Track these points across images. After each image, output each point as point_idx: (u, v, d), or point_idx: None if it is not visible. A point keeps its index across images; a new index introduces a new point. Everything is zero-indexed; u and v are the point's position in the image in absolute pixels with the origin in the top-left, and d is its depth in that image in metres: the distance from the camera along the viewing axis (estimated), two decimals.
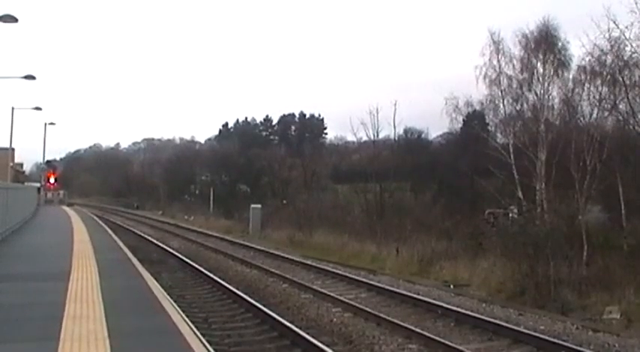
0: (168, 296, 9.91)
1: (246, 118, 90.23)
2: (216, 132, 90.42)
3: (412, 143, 51.10)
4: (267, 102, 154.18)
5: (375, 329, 11.72)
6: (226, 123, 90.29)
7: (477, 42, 65.32)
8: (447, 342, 10.40)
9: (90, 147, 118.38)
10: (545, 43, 26.57)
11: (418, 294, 15.41)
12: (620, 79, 22.10)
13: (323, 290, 15.55)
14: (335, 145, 78.38)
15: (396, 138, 38.12)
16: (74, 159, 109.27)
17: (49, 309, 8.20)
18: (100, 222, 32.18)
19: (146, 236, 31.54)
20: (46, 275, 11.83)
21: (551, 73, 26.42)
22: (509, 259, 17.71)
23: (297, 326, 11.12)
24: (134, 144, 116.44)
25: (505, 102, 27.91)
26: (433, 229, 26.00)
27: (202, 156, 77.39)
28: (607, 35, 21.59)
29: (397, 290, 15.83)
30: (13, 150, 45.01)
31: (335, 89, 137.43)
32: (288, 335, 10.75)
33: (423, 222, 28.04)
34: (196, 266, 19.66)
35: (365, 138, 38.07)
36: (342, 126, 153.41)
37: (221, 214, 49.57)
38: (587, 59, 23.86)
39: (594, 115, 24.09)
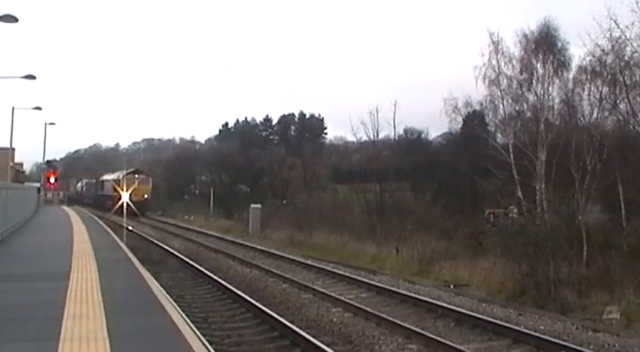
0: (168, 296, 9.91)
1: (246, 118, 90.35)
2: (216, 132, 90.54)
3: (412, 143, 51.08)
4: (267, 102, 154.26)
5: (375, 329, 11.72)
6: (226, 123, 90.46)
7: (476, 42, 65.40)
8: (447, 342, 10.41)
9: (90, 147, 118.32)
10: (545, 44, 26.58)
11: (418, 294, 15.42)
12: (621, 79, 22.09)
13: (323, 290, 15.56)
14: (335, 145, 78.42)
15: (396, 138, 38.19)
16: (74, 159, 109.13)
17: (49, 309, 8.20)
18: (100, 222, 32.16)
19: (146, 236, 31.54)
20: (46, 275, 11.83)
21: (551, 73, 26.43)
22: (509, 259, 17.70)
23: (297, 326, 11.13)
24: (134, 144, 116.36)
25: (505, 102, 27.94)
26: (433, 229, 25.98)
27: (202, 156, 77.28)
28: (608, 35, 21.60)
29: (397, 290, 15.83)
30: (13, 150, 44.99)
31: (335, 89, 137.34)
32: (288, 335, 10.76)
33: (423, 222, 28.00)
34: (196, 266, 19.67)
35: (365, 138, 38.11)
36: (342, 126, 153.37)
37: (221, 214, 49.54)
38: (587, 59, 23.89)
39: (594, 115, 24.10)
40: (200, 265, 19.95)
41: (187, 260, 21.20)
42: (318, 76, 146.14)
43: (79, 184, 79.43)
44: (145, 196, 50.63)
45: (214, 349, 7.09)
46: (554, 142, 24.80)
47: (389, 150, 39.16)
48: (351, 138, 51.68)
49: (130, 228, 29.62)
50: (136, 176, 51.55)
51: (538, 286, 15.92)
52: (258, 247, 26.89)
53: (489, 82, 27.82)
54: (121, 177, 49.97)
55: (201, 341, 6.82)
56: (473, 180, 32.64)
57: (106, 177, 59.57)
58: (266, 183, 57.28)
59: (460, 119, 31.30)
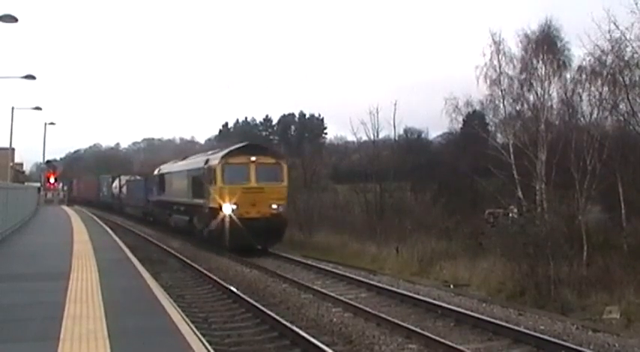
0: (168, 296, 9.92)
1: (246, 118, 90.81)
2: (216, 132, 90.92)
3: (412, 143, 51.10)
4: (267, 102, 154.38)
5: (375, 329, 11.71)
6: (226, 123, 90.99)
7: (477, 42, 65.49)
8: (447, 342, 10.39)
9: (90, 147, 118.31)
10: (545, 44, 26.60)
11: (418, 294, 15.40)
12: (621, 80, 22.12)
13: (323, 290, 15.55)
14: (335, 145, 78.47)
15: (396, 138, 38.20)
16: (74, 159, 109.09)
17: (49, 309, 8.20)
18: (100, 222, 32.14)
19: (146, 236, 31.50)
20: (46, 275, 11.83)
21: (551, 73, 26.46)
22: (509, 259, 17.71)
23: (297, 326, 11.13)
24: (134, 144, 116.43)
25: (505, 102, 27.99)
26: (433, 229, 25.98)
27: None
28: (608, 36, 21.64)
29: (397, 290, 15.81)
30: (13, 150, 45.03)
31: (335, 89, 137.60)
32: (288, 335, 10.75)
33: (423, 222, 28.01)
34: (196, 266, 19.66)
35: (365, 138, 38.11)
36: (342, 126, 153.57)
37: None
38: (587, 59, 23.93)
39: (594, 115, 24.15)
40: (200, 265, 19.94)
41: (187, 260, 21.18)
42: (318, 76, 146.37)
43: (116, 183, 53.95)
44: (276, 206, 23.01)
45: (214, 349, 7.09)
46: (554, 142, 24.82)
47: (389, 150, 39.14)
48: (351, 138, 51.66)
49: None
50: (252, 159, 22.84)
51: (538, 286, 15.94)
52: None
53: (490, 82, 27.91)
54: (216, 163, 23.16)
55: (201, 341, 6.83)
56: (473, 180, 32.65)
57: (170, 167, 32.06)
58: None
59: (461, 119, 31.41)
